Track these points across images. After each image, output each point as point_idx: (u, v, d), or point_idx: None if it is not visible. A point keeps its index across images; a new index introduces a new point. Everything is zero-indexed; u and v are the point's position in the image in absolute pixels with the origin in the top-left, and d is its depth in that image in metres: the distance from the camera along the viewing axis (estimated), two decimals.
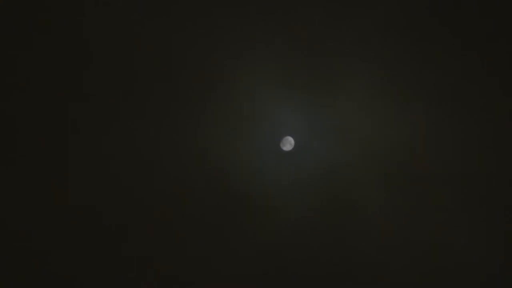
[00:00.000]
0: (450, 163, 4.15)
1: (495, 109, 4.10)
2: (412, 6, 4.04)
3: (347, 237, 4.20)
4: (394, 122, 4.14)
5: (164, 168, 4.10)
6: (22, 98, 3.96)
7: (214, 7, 4.02)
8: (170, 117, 4.09)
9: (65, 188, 4.01)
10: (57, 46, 3.96)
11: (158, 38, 4.02)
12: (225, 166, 4.13)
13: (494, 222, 4.12)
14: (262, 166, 4.17)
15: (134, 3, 3.97)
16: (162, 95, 4.07)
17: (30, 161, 3.97)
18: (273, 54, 4.09)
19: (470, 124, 4.12)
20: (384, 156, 4.16)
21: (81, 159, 4.01)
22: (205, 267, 4.15)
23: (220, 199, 4.16)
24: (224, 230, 4.17)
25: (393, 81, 4.12)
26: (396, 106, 4.15)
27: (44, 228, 4.00)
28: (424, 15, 4.05)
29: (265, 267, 4.15)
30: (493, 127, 4.11)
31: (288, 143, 4.14)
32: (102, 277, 4.05)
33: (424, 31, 4.06)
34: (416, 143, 4.14)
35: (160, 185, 4.11)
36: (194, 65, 4.07)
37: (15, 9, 3.90)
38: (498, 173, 4.12)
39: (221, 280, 4.14)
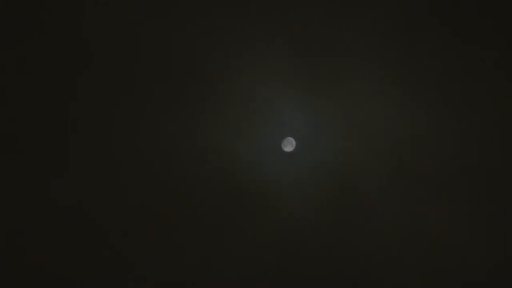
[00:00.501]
0: (451, 163, 4.15)
1: (496, 108, 4.10)
2: (412, 6, 4.04)
3: (347, 237, 4.20)
4: (394, 122, 4.14)
5: (164, 168, 4.10)
6: (22, 98, 3.96)
7: (214, 7, 4.02)
8: (170, 117, 4.09)
9: (65, 188, 4.01)
10: (57, 46, 3.96)
11: (158, 38, 4.02)
12: (226, 166, 4.13)
13: (495, 221, 4.13)
14: (262, 166, 4.17)
15: (134, 3, 3.97)
16: (162, 95, 4.07)
17: (30, 161, 3.97)
18: (273, 54, 4.09)
19: (470, 124, 4.12)
20: (385, 156, 4.17)
21: (81, 159, 4.01)
22: (205, 267, 4.16)
23: (220, 199, 4.16)
24: (224, 230, 4.17)
25: (393, 81, 4.12)
26: (396, 106, 4.15)
27: (44, 228, 4.00)
28: (424, 15, 4.05)
29: (265, 267, 4.16)
30: (493, 126, 4.11)
31: (289, 144, 4.14)
32: (102, 277, 4.05)
33: (424, 31, 4.06)
34: (416, 143, 4.15)
35: (160, 185, 4.11)
36: (194, 65, 4.07)
37: (15, 9, 3.90)
38: (499, 172, 4.12)
39: (221, 280, 4.15)
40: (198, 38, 4.04)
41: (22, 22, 3.91)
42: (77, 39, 3.96)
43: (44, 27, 3.92)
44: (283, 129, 4.15)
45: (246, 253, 4.16)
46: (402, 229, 4.17)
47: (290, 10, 4.04)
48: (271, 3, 4.02)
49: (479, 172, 4.12)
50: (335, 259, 4.18)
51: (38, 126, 3.97)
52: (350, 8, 4.06)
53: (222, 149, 4.12)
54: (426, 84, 4.11)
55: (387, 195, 4.17)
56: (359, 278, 4.17)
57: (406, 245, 4.17)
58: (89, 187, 4.03)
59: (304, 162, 4.18)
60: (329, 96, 4.15)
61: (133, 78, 4.04)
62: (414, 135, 4.14)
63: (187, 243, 4.14)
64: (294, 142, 4.14)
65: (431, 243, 4.16)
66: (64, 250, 4.01)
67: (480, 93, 4.10)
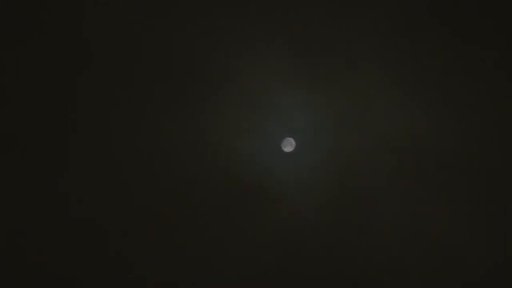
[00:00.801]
0: (451, 163, 4.15)
1: (496, 108, 4.10)
2: (412, 6, 4.04)
3: (347, 237, 4.20)
4: (394, 122, 4.14)
5: (164, 168, 4.11)
6: (22, 98, 3.96)
7: (214, 7, 4.02)
8: (170, 117, 4.09)
9: (65, 188, 4.01)
10: (57, 46, 3.96)
11: (158, 38, 4.01)
12: (225, 166, 4.13)
13: (495, 221, 4.13)
14: (262, 166, 4.17)
15: (134, 3, 3.97)
16: (162, 95, 4.07)
17: (30, 161, 3.97)
18: (273, 54, 4.09)
19: (470, 124, 4.11)
20: (385, 156, 4.17)
21: (81, 159, 4.01)
22: (205, 267, 4.16)
23: (220, 199, 4.16)
24: (224, 230, 4.17)
25: (393, 81, 4.12)
26: (396, 106, 4.15)
27: (43, 228, 4.00)
28: (424, 15, 4.05)
29: (265, 267, 4.16)
30: (493, 126, 4.11)
31: (288, 144, 4.14)
32: (102, 277, 4.05)
33: (424, 31, 4.06)
34: (416, 143, 4.15)
35: (160, 185, 4.12)
36: (194, 65, 4.07)
37: (15, 9, 3.90)
38: (500, 172, 4.12)
39: (221, 280, 4.14)
40: (198, 38, 4.04)
41: (22, 22, 3.91)
42: (77, 39, 3.96)
43: (44, 27, 3.92)
44: (283, 129, 4.15)
45: (246, 253, 4.16)
46: (402, 229, 4.17)
47: (290, 10, 4.04)
48: (271, 3, 4.02)
49: (479, 172, 4.12)
50: (335, 259, 4.18)
51: (38, 126, 3.97)
52: (350, 8, 4.06)
53: (222, 149, 4.12)
54: (426, 84, 4.11)
55: (387, 195, 4.17)
56: (359, 278, 4.17)
57: (406, 245, 4.17)
58: (89, 188, 4.03)
59: (304, 162, 4.18)
60: (329, 96, 4.15)
61: (133, 78, 4.04)
62: (414, 135, 4.14)
63: (187, 243, 4.14)
64: (294, 142, 4.14)
65: (431, 243, 4.16)
66: (63, 250, 4.01)
67: (480, 93, 4.10)
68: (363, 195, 4.18)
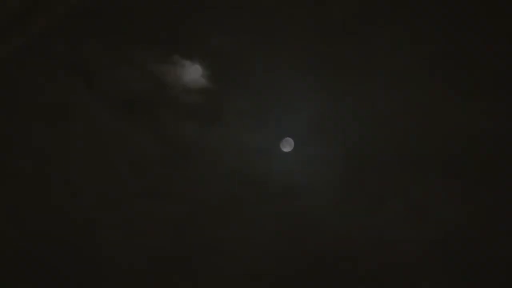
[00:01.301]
0: (453, 162, 4.16)
1: (496, 108, 4.11)
2: (412, 6, 4.03)
3: (348, 236, 4.21)
4: (394, 122, 4.15)
5: (164, 168, 4.12)
6: (22, 97, 3.97)
7: (214, 7, 4.02)
8: (170, 116, 4.10)
9: (65, 189, 4.02)
10: None
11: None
12: (226, 166, 4.14)
13: (496, 221, 4.14)
14: (262, 166, 4.17)
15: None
16: (162, 95, 4.08)
17: (31, 161, 3.98)
18: (275, 54, 4.09)
19: (470, 124, 4.12)
20: (385, 156, 4.17)
21: (81, 159, 4.03)
22: (205, 267, 4.17)
23: (220, 199, 4.18)
24: (224, 230, 4.19)
25: (394, 81, 4.12)
26: (396, 105, 4.15)
27: (43, 228, 4.02)
28: (425, 18, 4.04)
29: (265, 267, 4.17)
30: (493, 125, 4.12)
31: (288, 144, 4.14)
32: (102, 277, 4.07)
33: (424, 31, 4.06)
34: (416, 143, 4.15)
35: (160, 185, 4.13)
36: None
37: (15, 9, 3.90)
38: (500, 172, 4.12)
39: (221, 280, 4.16)
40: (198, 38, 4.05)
41: (22, 22, 3.92)
42: None
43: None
44: (283, 129, 4.16)
45: (246, 253, 4.17)
46: (403, 228, 4.18)
47: (290, 10, 4.04)
48: (271, 3, 4.02)
49: (479, 172, 4.13)
50: (335, 258, 4.19)
51: (38, 126, 3.98)
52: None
53: (222, 149, 4.13)
54: (428, 84, 4.12)
55: (387, 193, 4.18)
56: (359, 277, 4.18)
57: (407, 243, 4.18)
58: (89, 188, 4.04)
59: (303, 163, 4.18)
60: (331, 96, 4.15)
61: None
62: (415, 135, 4.15)
63: (187, 243, 4.16)
64: (292, 143, 4.14)
65: (433, 242, 4.17)
66: (64, 250, 4.03)
67: (481, 92, 4.10)
68: (363, 194, 4.19)
